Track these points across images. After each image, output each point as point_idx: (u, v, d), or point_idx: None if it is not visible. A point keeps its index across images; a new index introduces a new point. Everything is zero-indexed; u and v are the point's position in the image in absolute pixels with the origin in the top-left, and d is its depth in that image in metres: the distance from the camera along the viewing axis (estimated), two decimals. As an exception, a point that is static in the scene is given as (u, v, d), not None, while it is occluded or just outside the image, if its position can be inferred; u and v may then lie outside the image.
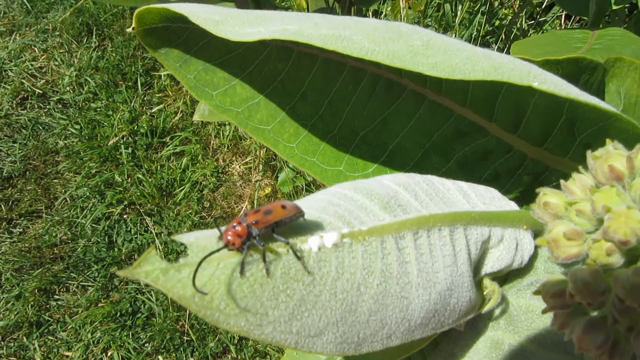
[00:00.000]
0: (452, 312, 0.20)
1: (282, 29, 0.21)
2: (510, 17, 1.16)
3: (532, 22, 1.17)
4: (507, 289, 0.25)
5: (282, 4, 1.40)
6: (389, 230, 0.19)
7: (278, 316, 0.16)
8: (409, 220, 0.19)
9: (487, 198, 0.24)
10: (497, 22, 1.18)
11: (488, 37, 1.17)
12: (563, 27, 1.09)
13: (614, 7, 0.57)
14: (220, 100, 0.30)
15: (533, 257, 0.25)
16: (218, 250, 0.16)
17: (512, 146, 0.28)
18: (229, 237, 0.16)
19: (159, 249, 1.30)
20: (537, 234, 0.25)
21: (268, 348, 1.16)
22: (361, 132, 0.30)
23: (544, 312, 0.18)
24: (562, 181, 0.20)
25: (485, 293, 0.23)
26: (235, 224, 0.16)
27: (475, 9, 1.14)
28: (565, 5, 0.59)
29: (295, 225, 0.17)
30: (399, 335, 0.18)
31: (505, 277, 0.26)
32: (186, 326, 1.19)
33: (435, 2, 1.17)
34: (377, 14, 1.27)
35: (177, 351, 1.16)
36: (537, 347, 0.23)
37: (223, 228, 0.17)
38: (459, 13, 1.12)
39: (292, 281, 0.16)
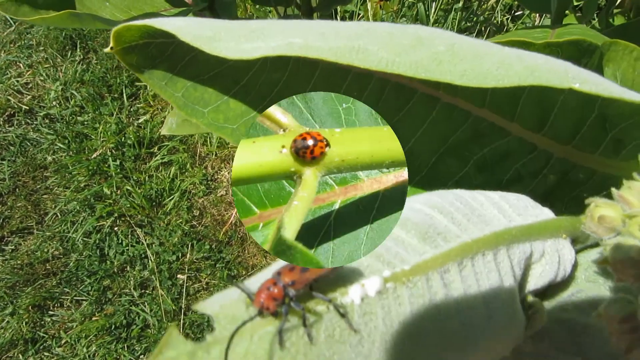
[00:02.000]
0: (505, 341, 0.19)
1: (286, 44, 0.18)
2: (487, 13, 1.16)
3: (509, 16, 1.17)
4: (548, 304, 0.23)
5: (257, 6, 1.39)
6: (433, 265, 0.16)
7: None
8: (452, 250, 0.17)
9: (521, 208, 0.22)
10: (475, 18, 1.18)
11: (466, 33, 1.17)
12: (539, 22, 1.09)
13: (575, 3, 0.57)
14: (212, 118, 0.27)
15: (573, 267, 0.23)
16: (251, 319, 0.14)
17: (536, 145, 0.26)
18: (263, 301, 0.14)
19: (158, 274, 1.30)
20: (574, 239, 0.23)
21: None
22: None
23: (611, 336, 0.16)
24: (614, 191, 0.19)
25: (530, 312, 0.21)
26: (269, 286, 0.14)
27: (450, 6, 1.13)
28: (527, 3, 0.59)
29: None
30: None
31: (544, 290, 0.24)
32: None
33: (409, 1, 1.17)
34: (353, 17, 1.26)
35: (173, 361, 1.17)
36: None
37: (250, 285, 0.14)
38: (432, 10, 1.12)
39: (338, 344, 0.14)
